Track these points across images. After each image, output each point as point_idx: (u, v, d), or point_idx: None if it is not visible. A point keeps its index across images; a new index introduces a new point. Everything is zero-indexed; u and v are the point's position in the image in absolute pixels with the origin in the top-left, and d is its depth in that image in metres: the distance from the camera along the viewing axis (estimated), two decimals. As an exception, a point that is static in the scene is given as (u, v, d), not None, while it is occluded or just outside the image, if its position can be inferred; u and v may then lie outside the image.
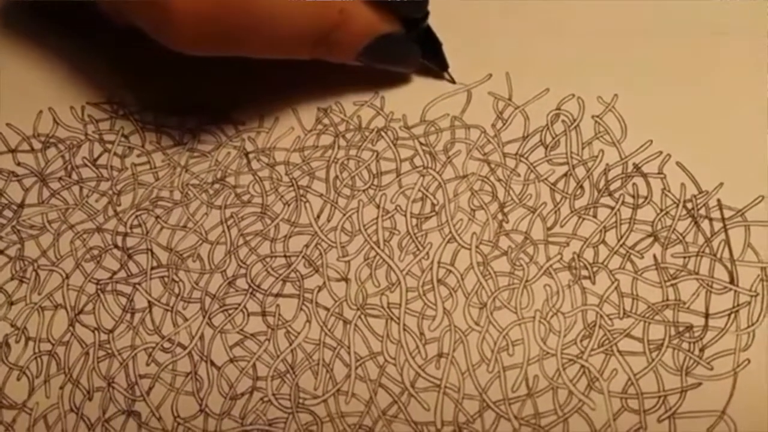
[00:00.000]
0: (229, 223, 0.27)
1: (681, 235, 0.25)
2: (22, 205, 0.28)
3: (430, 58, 0.29)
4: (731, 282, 0.25)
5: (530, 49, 0.30)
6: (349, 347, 0.25)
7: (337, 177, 0.28)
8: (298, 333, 0.25)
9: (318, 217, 0.27)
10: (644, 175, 0.27)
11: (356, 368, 0.24)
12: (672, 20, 0.30)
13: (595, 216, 0.26)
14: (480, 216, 0.27)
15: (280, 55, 0.26)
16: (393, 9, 0.27)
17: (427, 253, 0.26)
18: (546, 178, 0.27)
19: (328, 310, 0.25)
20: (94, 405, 0.25)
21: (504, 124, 0.28)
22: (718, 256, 0.25)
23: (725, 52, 0.29)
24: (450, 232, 0.26)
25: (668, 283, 0.25)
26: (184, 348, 0.25)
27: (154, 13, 0.24)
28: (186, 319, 0.26)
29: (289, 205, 0.27)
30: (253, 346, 0.25)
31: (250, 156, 0.29)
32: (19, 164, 0.29)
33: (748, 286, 0.24)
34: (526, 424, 0.23)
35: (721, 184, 0.26)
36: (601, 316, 0.24)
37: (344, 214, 0.27)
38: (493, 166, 0.27)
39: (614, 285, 0.25)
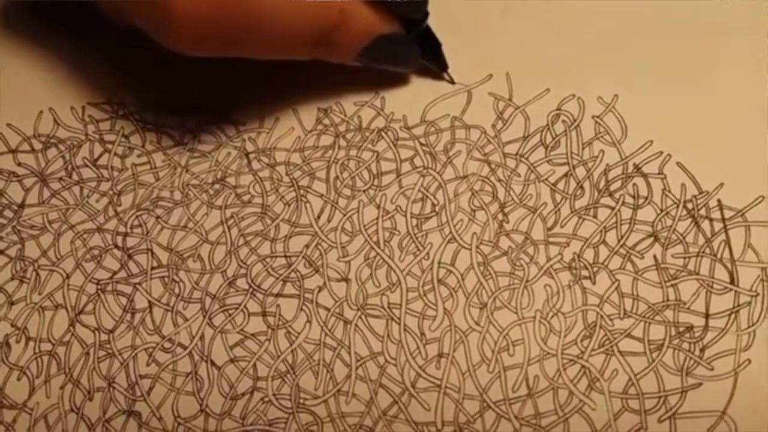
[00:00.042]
0: (229, 223, 0.27)
1: (681, 235, 0.26)
2: (22, 206, 0.28)
3: (430, 59, 0.29)
4: (731, 282, 0.25)
5: (530, 49, 0.30)
6: (349, 347, 0.25)
7: (337, 177, 0.28)
8: (299, 333, 0.25)
9: (318, 217, 0.27)
10: (644, 176, 0.27)
11: (357, 368, 0.24)
12: (672, 20, 0.30)
13: (595, 216, 0.26)
14: (480, 216, 0.27)
15: (280, 56, 0.26)
16: (393, 9, 0.27)
17: (428, 253, 0.26)
18: (546, 179, 0.27)
19: (328, 310, 0.25)
20: (94, 405, 0.25)
21: (504, 125, 0.28)
22: (719, 256, 0.25)
23: (725, 52, 0.29)
24: (450, 232, 0.26)
25: (668, 284, 0.25)
26: (185, 348, 0.25)
27: (154, 14, 0.24)
28: (186, 319, 0.26)
29: (289, 206, 0.27)
30: (254, 346, 0.25)
31: (251, 156, 0.29)
32: (19, 164, 0.29)
33: (748, 287, 0.24)
34: (527, 425, 0.23)
35: (722, 184, 0.26)
36: (602, 316, 0.24)
37: (344, 215, 0.27)
38: (493, 166, 0.27)
39: (615, 285, 0.25)
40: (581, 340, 0.24)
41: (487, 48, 0.30)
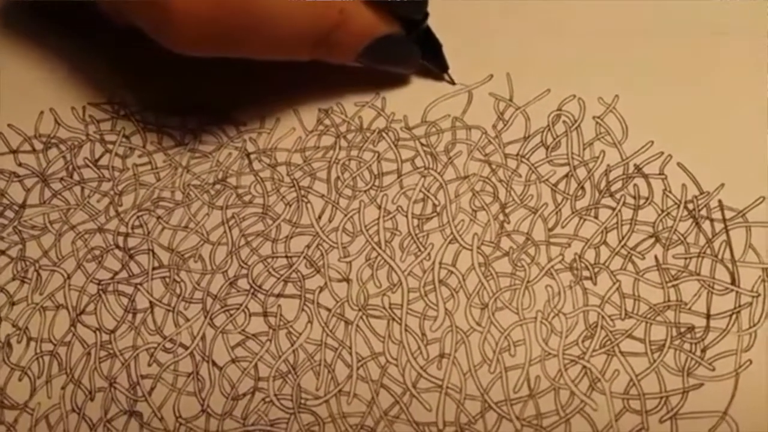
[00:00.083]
0: (230, 223, 0.27)
1: (682, 236, 0.26)
2: (23, 206, 0.28)
3: (430, 60, 0.29)
4: (732, 283, 0.25)
5: (531, 49, 0.30)
6: (350, 348, 0.25)
7: (338, 178, 0.28)
8: (300, 333, 0.25)
9: (319, 217, 0.27)
10: (645, 176, 0.27)
11: (358, 369, 0.24)
12: (672, 20, 0.30)
13: (596, 217, 0.26)
14: (481, 217, 0.27)
15: (280, 56, 0.26)
16: (392, 9, 0.27)
17: (429, 253, 0.26)
18: (547, 179, 0.27)
19: (329, 310, 0.25)
20: (95, 405, 0.25)
21: (505, 125, 0.28)
22: (720, 257, 0.25)
23: (725, 52, 0.29)
24: (451, 232, 0.26)
25: (670, 284, 0.25)
26: (186, 348, 0.25)
27: (154, 14, 0.24)
28: (188, 320, 0.26)
29: (290, 206, 0.27)
30: (255, 346, 0.25)
31: (252, 157, 0.29)
32: (20, 165, 0.29)
33: (749, 287, 0.25)
34: (528, 425, 0.23)
35: (722, 184, 0.26)
36: (603, 316, 0.24)
37: (345, 215, 0.27)
38: (494, 166, 0.28)
39: (616, 286, 0.25)
40: (582, 341, 0.24)
41: (488, 48, 0.30)
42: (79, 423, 0.24)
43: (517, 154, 0.28)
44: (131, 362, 0.25)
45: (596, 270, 0.25)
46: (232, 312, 0.26)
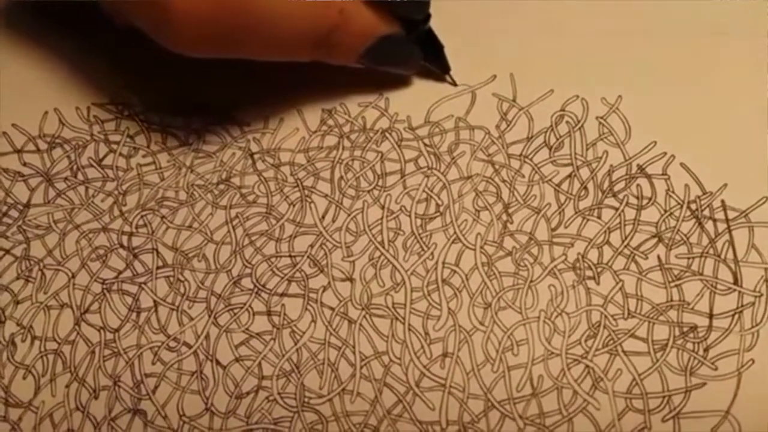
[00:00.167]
0: (234, 223, 0.27)
1: (685, 236, 0.26)
2: (27, 205, 0.28)
3: (432, 61, 0.29)
4: (735, 283, 0.25)
5: (534, 50, 0.30)
6: (354, 347, 0.25)
7: (341, 177, 0.28)
8: (303, 332, 0.25)
9: (323, 217, 0.27)
10: (648, 176, 0.27)
11: (361, 368, 0.24)
12: (672, 20, 0.30)
13: (599, 217, 0.26)
14: (484, 216, 0.27)
15: (281, 57, 0.26)
16: (393, 10, 0.27)
17: (432, 253, 0.26)
18: (550, 179, 0.27)
19: (333, 309, 0.25)
20: (99, 404, 0.25)
21: (508, 125, 0.28)
22: (722, 256, 0.25)
23: (725, 52, 0.29)
24: (455, 232, 0.26)
25: (672, 284, 0.25)
26: (190, 347, 0.25)
27: (154, 14, 0.24)
28: (191, 319, 0.26)
29: (294, 206, 0.27)
30: (259, 345, 0.25)
31: (255, 157, 0.29)
32: (24, 164, 0.29)
33: (752, 287, 0.25)
34: (531, 424, 0.23)
35: (725, 185, 0.26)
36: (606, 316, 0.25)
37: (349, 215, 0.27)
38: (497, 167, 0.28)
39: (619, 285, 0.25)
40: (585, 340, 0.24)
41: (491, 49, 0.30)
42: (83, 421, 0.24)
43: (521, 155, 0.28)
44: (135, 361, 0.25)
45: (599, 270, 0.25)
46: (235, 311, 0.26)
